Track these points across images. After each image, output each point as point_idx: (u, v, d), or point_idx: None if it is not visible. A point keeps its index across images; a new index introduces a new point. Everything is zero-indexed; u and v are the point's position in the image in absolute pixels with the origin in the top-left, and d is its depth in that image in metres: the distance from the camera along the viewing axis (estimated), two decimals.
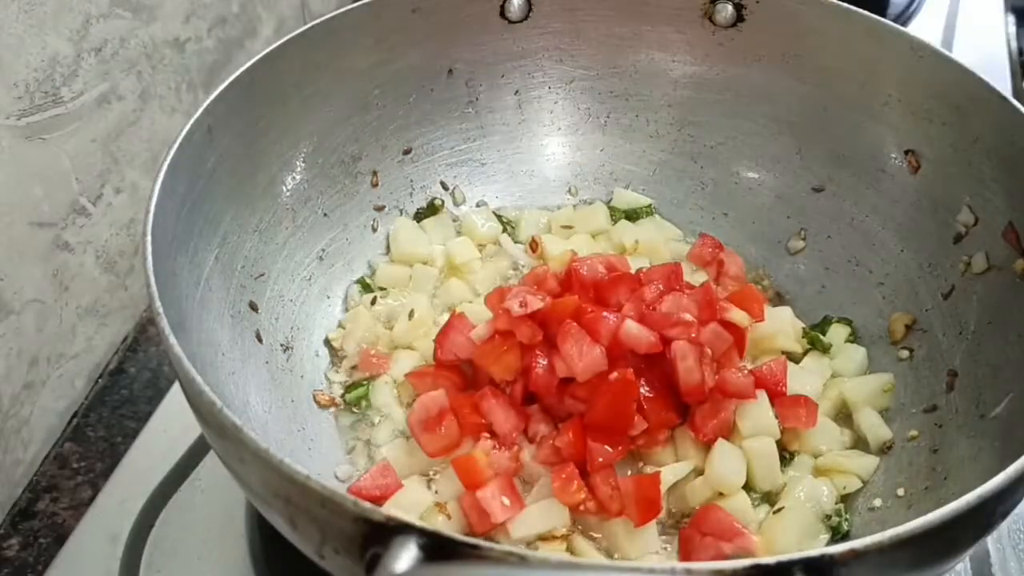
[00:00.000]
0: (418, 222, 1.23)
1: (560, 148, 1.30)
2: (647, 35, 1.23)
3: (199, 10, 1.34)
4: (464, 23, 1.19)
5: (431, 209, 1.24)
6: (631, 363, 0.98)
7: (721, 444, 0.97)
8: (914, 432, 1.01)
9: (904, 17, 1.81)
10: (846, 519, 0.96)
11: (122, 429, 1.18)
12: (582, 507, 0.94)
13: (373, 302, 1.14)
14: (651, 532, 0.94)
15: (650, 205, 1.26)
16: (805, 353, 1.11)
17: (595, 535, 0.96)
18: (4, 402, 1.08)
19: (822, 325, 1.14)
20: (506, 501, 0.93)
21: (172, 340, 0.74)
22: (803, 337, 1.12)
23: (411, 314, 1.12)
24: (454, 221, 1.25)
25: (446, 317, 1.10)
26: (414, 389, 1.06)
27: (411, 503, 0.95)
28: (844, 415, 1.06)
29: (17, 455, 1.11)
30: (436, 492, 0.98)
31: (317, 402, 1.06)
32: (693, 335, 0.98)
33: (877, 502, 0.97)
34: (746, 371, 1.00)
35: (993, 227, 1.01)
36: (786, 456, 1.02)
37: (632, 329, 0.97)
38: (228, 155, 0.99)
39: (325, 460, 1.01)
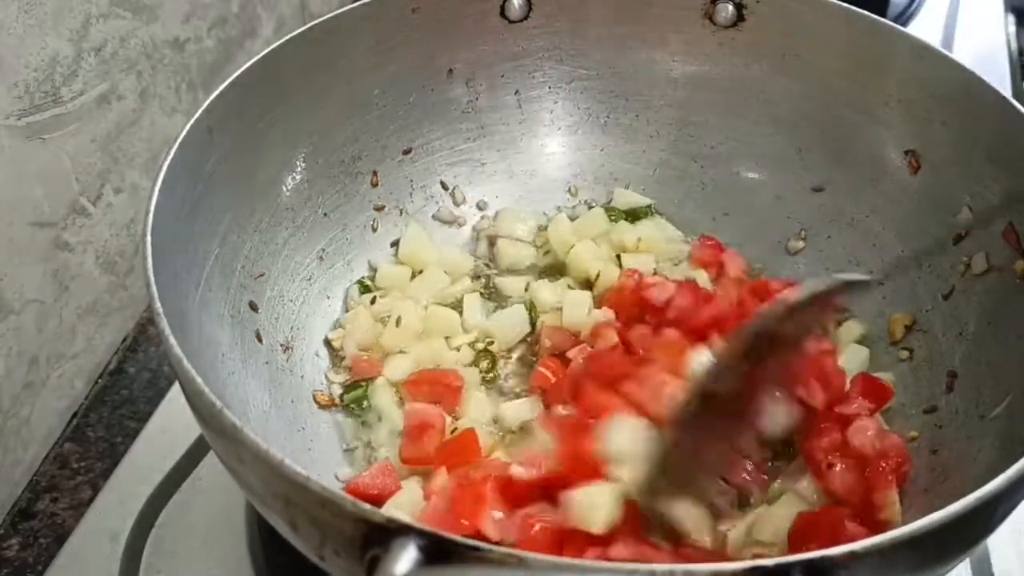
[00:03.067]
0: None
1: (560, 148, 1.30)
2: (647, 35, 1.23)
3: (199, 10, 1.34)
4: (464, 23, 1.19)
5: None
6: None
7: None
8: (914, 432, 1.01)
9: (904, 17, 1.81)
10: None
11: (122, 429, 1.18)
12: None
13: (373, 302, 1.14)
14: None
15: (650, 205, 1.26)
16: None
17: None
18: (4, 402, 1.08)
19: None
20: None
21: (172, 341, 0.74)
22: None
23: (398, 321, 1.12)
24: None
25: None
26: (408, 397, 1.06)
27: (410, 503, 0.94)
28: None
29: (17, 455, 1.11)
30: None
31: (317, 402, 1.06)
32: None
33: None
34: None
35: (993, 228, 1.01)
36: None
37: None
38: (228, 155, 0.99)
39: (325, 461, 1.01)
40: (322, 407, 1.06)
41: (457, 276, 1.21)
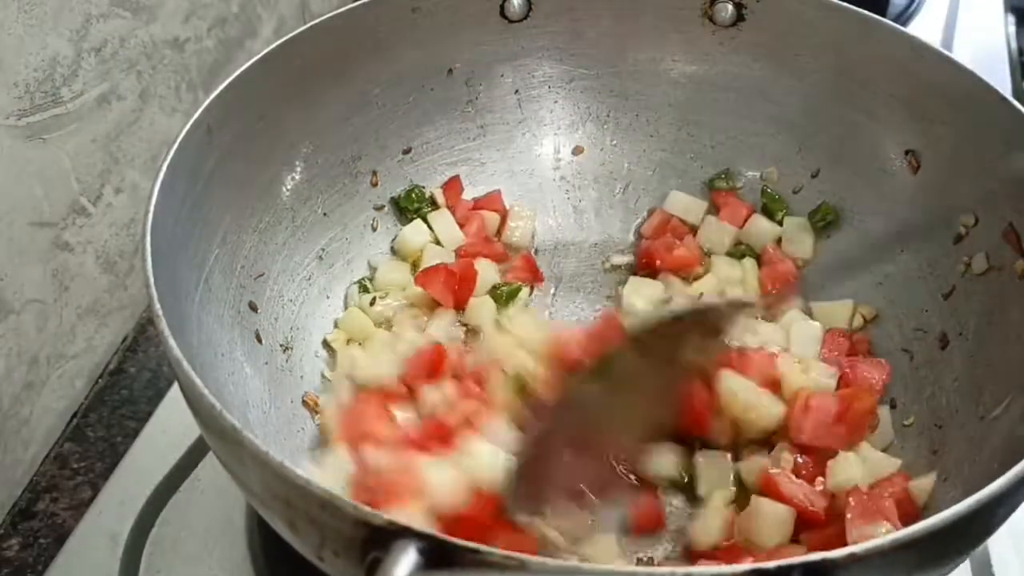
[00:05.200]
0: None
1: (560, 147, 1.30)
2: (647, 35, 1.23)
3: (199, 10, 1.34)
4: (464, 23, 1.19)
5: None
6: None
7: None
8: (914, 432, 1.01)
9: (904, 17, 1.81)
10: None
11: (122, 429, 1.18)
12: None
13: (372, 303, 1.14)
14: None
15: None
16: None
17: None
18: (4, 402, 1.08)
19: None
20: None
21: (171, 342, 0.74)
22: None
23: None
24: None
25: None
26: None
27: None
28: None
29: (17, 455, 1.11)
30: None
31: (306, 404, 1.05)
32: None
33: None
34: None
35: (993, 228, 1.01)
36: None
37: None
38: (228, 155, 0.99)
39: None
40: (311, 410, 1.06)
41: None
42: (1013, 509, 0.73)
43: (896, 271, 1.11)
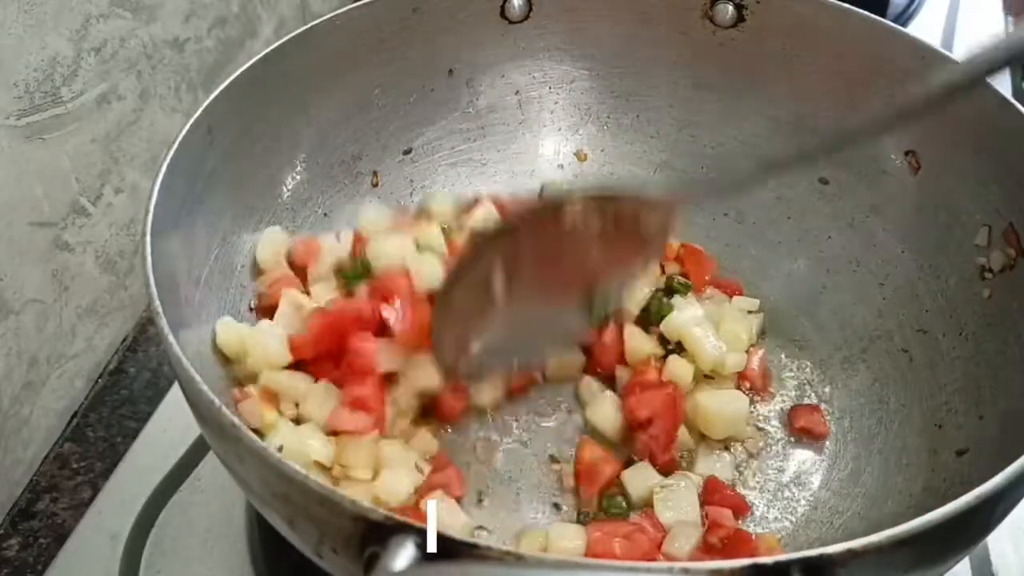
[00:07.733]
0: None
1: (560, 148, 1.30)
2: (647, 35, 1.23)
3: (199, 10, 1.34)
4: (464, 23, 1.19)
5: None
6: None
7: None
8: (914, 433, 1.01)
9: (904, 17, 1.81)
10: None
11: (122, 429, 1.18)
12: None
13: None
14: None
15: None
16: None
17: None
18: (4, 402, 1.08)
19: None
20: None
21: (171, 339, 0.74)
22: None
23: None
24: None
25: None
26: None
27: None
28: None
29: (17, 455, 1.11)
30: None
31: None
32: None
33: None
34: None
35: (994, 227, 1.00)
36: None
37: None
38: (228, 155, 0.99)
39: None
40: None
41: None
42: (1012, 507, 0.73)
43: (896, 272, 1.11)
